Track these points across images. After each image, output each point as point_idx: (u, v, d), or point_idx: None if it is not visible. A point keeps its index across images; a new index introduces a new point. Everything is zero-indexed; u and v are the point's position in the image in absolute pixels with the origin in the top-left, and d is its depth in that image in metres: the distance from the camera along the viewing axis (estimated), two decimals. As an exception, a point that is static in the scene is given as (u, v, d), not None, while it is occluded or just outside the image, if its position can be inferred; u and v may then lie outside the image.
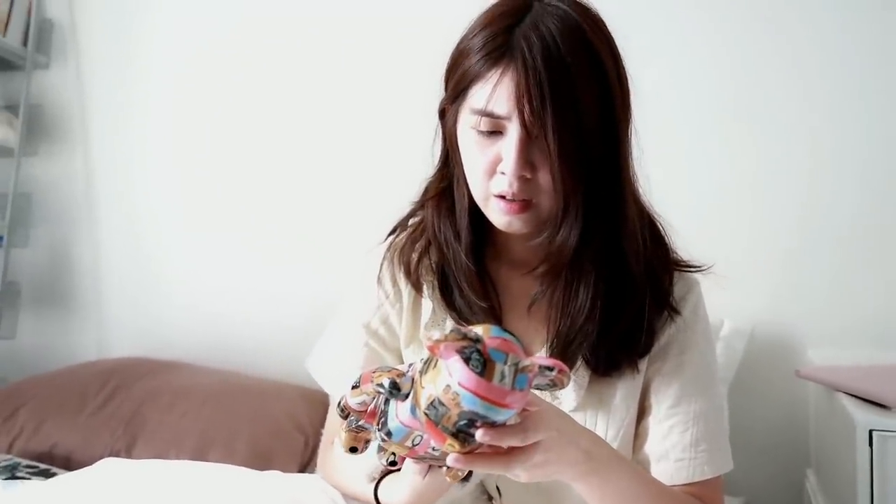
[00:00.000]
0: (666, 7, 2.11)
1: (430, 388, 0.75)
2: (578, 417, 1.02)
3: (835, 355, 1.84)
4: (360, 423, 0.86)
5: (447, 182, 1.10)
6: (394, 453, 0.88)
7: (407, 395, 0.78)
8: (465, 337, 0.72)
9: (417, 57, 1.98)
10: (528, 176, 0.96)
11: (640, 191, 1.07)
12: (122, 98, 2.49)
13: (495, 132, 0.97)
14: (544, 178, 0.97)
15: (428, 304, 1.11)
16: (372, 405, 0.84)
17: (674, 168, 1.90)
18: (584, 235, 0.99)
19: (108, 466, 1.19)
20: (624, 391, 1.06)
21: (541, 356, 0.74)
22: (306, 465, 1.83)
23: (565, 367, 0.75)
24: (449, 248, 1.08)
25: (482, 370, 0.72)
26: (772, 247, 2.04)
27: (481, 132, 0.97)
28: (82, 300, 2.50)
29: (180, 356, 2.28)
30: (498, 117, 0.95)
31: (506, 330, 0.76)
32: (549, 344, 1.05)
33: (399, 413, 0.80)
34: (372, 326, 1.15)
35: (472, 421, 0.74)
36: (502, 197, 0.98)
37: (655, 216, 1.10)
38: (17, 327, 2.48)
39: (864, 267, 1.99)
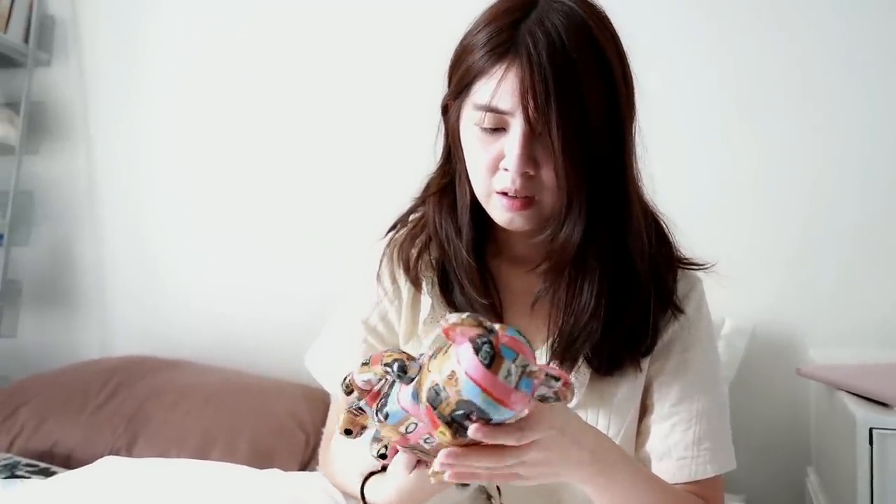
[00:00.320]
0: (670, 6, 2.10)
1: (436, 373, 0.75)
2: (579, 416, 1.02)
3: (836, 354, 1.84)
4: (360, 404, 0.86)
5: (449, 178, 1.09)
6: (385, 447, 0.88)
7: (412, 380, 0.78)
8: (480, 324, 0.73)
9: (420, 54, 1.98)
10: (532, 173, 0.96)
11: (644, 189, 1.07)
12: (125, 95, 2.48)
13: (498, 129, 0.96)
14: (547, 174, 0.96)
15: (427, 300, 1.11)
16: (377, 386, 0.84)
17: (677, 166, 1.90)
18: (588, 233, 0.99)
19: (108, 465, 1.19)
20: (626, 389, 1.06)
21: (550, 366, 0.74)
22: (307, 463, 1.84)
23: (570, 381, 0.75)
24: (450, 244, 1.08)
25: (490, 362, 0.72)
26: (773, 245, 2.04)
27: (484, 129, 0.97)
28: (84, 298, 2.50)
29: (183, 355, 2.28)
30: (502, 112, 0.95)
31: (521, 333, 0.76)
32: (550, 342, 1.04)
33: (401, 397, 0.80)
34: (370, 323, 1.14)
35: (468, 413, 0.74)
36: (505, 194, 0.98)
37: (659, 214, 1.10)
38: (19, 326, 2.48)
39: (865, 266, 1.99)
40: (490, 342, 0.73)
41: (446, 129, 1.08)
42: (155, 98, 2.46)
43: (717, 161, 2.08)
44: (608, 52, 0.96)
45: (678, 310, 1.07)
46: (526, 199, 0.98)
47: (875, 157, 1.99)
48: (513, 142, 0.95)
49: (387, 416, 0.82)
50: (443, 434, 0.76)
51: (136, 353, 2.32)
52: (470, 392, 0.73)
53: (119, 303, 2.48)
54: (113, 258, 2.48)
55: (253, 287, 2.35)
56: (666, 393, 1.06)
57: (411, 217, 1.16)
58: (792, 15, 2.04)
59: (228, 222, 2.40)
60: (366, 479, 1.03)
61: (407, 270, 1.11)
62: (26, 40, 2.44)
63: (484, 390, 0.72)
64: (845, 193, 2.00)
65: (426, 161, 1.13)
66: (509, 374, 0.73)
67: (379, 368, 0.81)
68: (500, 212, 1.00)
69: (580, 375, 1.04)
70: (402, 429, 0.81)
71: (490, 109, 0.95)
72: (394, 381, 0.81)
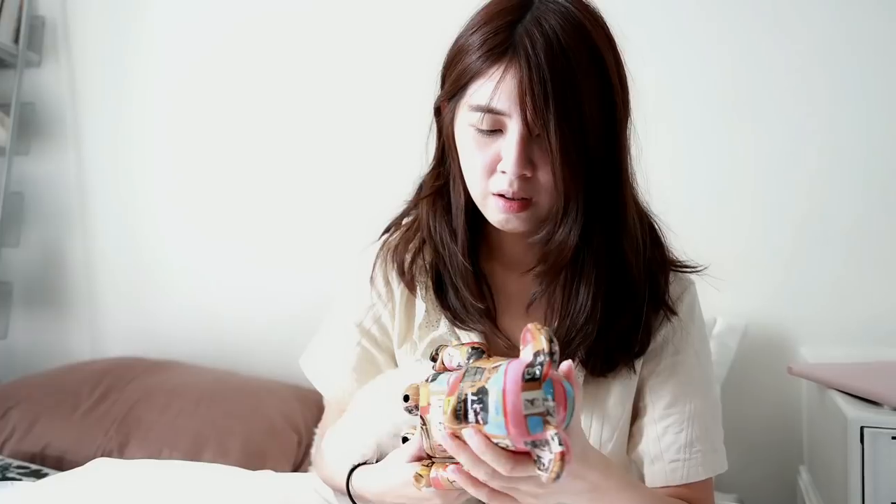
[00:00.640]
0: (664, 5, 2.11)
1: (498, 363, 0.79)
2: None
3: (827, 353, 1.84)
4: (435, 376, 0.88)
5: (442, 180, 1.09)
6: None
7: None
8: (550, 341, 0.75)
9: (410, 55, 1.98)
10: (528, 174, 0.96)
11: (638, 189, 1.07)
12: (115, 96, 2.48)
13: (495, 131, 0.96)
14: (544, 176, 0.96)
15: (422, 305, 1.11)
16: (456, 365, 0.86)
17: (670, 167, 1.91)
18: (585, 234, 0.99)
19: (100, 466, 1.19)
20: (619, 392, 1.06)
21: (564, 435, 0.74)
22: (300, 464, 1.84)
23: (569, 458, 0.73)
24: (445, 247, 1.08)
25: (529, 378, 0.74)
26: (766, 245, 2.05)
27: (481, 130, 0.97)
28: (75, 299, 2.49)
29: (174, 355, 2.27)
30: (499, 114, 0.94)
31: (573, 393, 0.78)
32: None
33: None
34: (364, 326, 1.14)
35: (477, 405, 0.76)
36: (501, 196, 0.98)
37: (653, 216, 1.10)
38: (9, 327, 2.47)
39: (857, 266, 2.00)
40: (543, 365, 0.74)
41: (439, 130, 1.08)
42: (144, 98, 2.46)
43: (711, 161, 2.08)
44: (604, 53, 0.96)
45: (671, 311, 1.07)
46: (522, 201, 0.98)
47: (868, 159, 2.00)
48: (510, 144, 0.95)
49: (435, 377, 0.85)
50: (448, 401, 0.78)
51: (128, 354, 2.32)
52: (493, 384, 0.75)
53: (110, 304, 2.47)
54: (104, 259, 2.48)
55: (244, 287, 2.35)
56: (659, 395, 1.06)
57: (405, 220, 1.15)
58: (788, 14, 2.04)
59: (219, 223, 2.39)
60: (352, 470, 1.03)
61: (402, 274, 1.11)
62: (16, 41, 2.43)
63: (503, 393, 0.74)
64: (838, 194, 2.01)
65: (418, 162, 1.13)
66: (533, 402, 0.74)
67: (466, 349, 0.85)
68: (497, 213, 1.00)
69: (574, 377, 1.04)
70: (437, 397, 0.83)
71: (488, 111, 0.95)
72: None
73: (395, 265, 1.12)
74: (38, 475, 1.72)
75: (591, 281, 1.01)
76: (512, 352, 1.00)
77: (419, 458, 0.91)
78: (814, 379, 1.70)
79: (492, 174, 0.98)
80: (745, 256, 2.02)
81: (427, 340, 1.10)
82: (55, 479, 1.20)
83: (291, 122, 2.33)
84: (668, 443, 1.05)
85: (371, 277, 1.14)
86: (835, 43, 2.02)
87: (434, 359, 0.90)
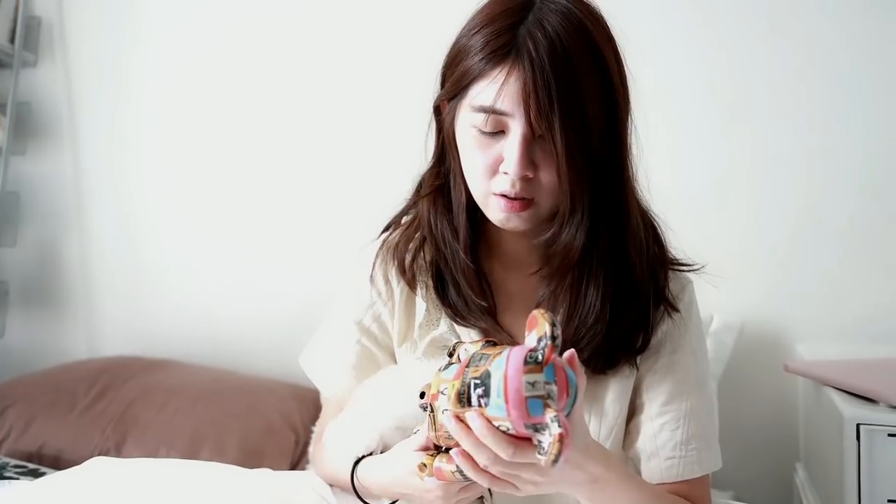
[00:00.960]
0: (662, 6, 2.11)
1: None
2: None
3: (823, 350, 1.85)
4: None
5: (442, 179, 1.09)
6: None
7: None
8: (553, 325, 0.76)
9: (407, 53, 1.98)
10: (531, 175, 0.96)
11: (640, 189, 1.07)
12: (111, 96, 2.47)
13: (497, 132, 0.96)
14: (546, 177, 0.96)
15: (422, 303, 1.11)
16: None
17: (668, 165, 1.90)
18: (591, 235, 0.99)
19: (97, 465, 1.19)
20: (616, 389, 1.06)
21: (563, 418, 0.75)
22: (297, 462, 1.84)
23: (568, 442, 0.74)
24: (446, 246, 1.08)
25: (532, 362, 0.75)
26: (762, 243, 2.05)
27: (483, 131, 0.97)
28: (72, 299, 2.49)
29: (171, 354, 2.27)
30: (503, 115, 0.95)
31: (575, 380, 0.79)
32: None
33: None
34: (364, 324, 1.15)
35: (480, 389, 0.77)
36: (503, 196, 0.98)
37: (654, 215, 1.11)
38: (6, 327, 2.47)
39: (853, 264, 2.01)
40: (545, 349, 0.75)
41: (439, 129, 1.08)
42: (141, 98, 2.45)
43: (707, 159, 2.09)
44: (605, 52, 0.97)
45: (671, 307, 1.08)
46: (524, 201, 0.98)
47: (863, 158, 2.01)
48: (513, 145, 0.95)
49: (449, 365, 0.86)
50: (452, 386, 0.80)
51: (124, 353, 2.32)
52: (496, 367, 0.76)
53: (107, 303, 2.47)
54: (100, 258, 2.47)
55: (241, 286, 2.35)
56: (655, 393, 1.07)
57: (404, 219, 1.16)
58: (784, 14, 2.05)
59: (216, 222, 2.39)
60: (356, 463, 1.03)
61: (402, 273, 1.11)
62: (12, 41, 2.42)
63: (505, 375, 0.75)
64: (834, 192, 2.02)
65: (415, 161, 1.13)
66: (534, 385, 0.74)
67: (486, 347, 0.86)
68: (498, 213, 1.00)
69: None
70: (445, 384, 0.84)
71: (492, 112, 0.95)
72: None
73: (396, 263, 1.12)
74: (36, 474, 1.72)
75: (599, 281, 1.02)
76: None
77: (426, 449, 0.91)
78: (810, 376, 1.71)
79: (494, 174, 0.98)
80: (741, 255, 2.02)
81: (427, 339, 1.10)
82: (52, 479, 1.20)
83: (288, 121, 2.33)
84: (664, 440, 1.05)
85: (371, 276, 1.14)
86: (831, 44, 2.02)
87: (451, 355, 0.91)
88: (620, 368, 1.06)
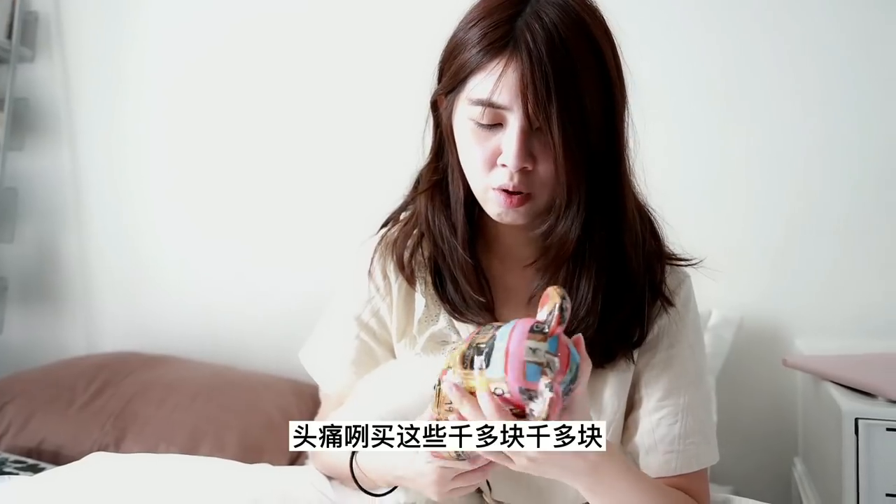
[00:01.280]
0: (659, 1, 2.11)
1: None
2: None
3: (822, 345, 1.85)
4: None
5: (441, 174, 1.09)
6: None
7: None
8: (563, 299, 0.79)
9: (404, 49, 1.98)
10: (529, 168, 0.96)
11: (636, 182, 1.07)
12: (109, 91, 2.47)
13: (495, 125, 0.96)
14: (544, 170, 0.96)
15: (421, 299, 1.11)
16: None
17: (666, 160, 1.90)
18: (586, 227, 0.99)
19: (97, 461, 1.19)
20: (614, 384, 1.06)
21: (558, 387, 0.77)
22: (296, 458, 1.84)
23: (556, 408, 0.76)
24: (444, 241, 1.08)
25: (537, 331, 0.78)
26: (761, 237, 2.05)
27: (481, 124, 0.97)
28: (70, 295, 2.49)
29: (170, 350, 2.27)
30: (500, 108, 0.95)
31: (576, 354, 0.81)
32: None
33: None
34: (363, 319, 1.15)
35: (482, 355, 0.80)
36: (502, 190, 0.98)
37: (650, 208, 1.11)
38: (5, 323, 2.47)
39: (852, 258, 2.01)
40: (552, 321, 0.78)
41: (437, 124, 1.08)
42: (139, 93, 2.45)
43: (706, 153, 2.09)
44: (602, 45, 0.97)
45: (668, 302, 1.08)
46: (522, 196, 0.98)
47: (861, 151, 2.01)
48: (511, 137, 0.95)
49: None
50: (453, 357, 0.83)
51: (123, 348, 2.32)
52: (502, 332, 0.79)
53: (105, 299, 2.47)
54: (98, 254, 2.47)
55: (240, 282, 2.35)
56: (653, 387, 1.07)
57: (403, 214, 1.16)
58: (780, 9, 2.05)
59: (214, 217, 2.39)
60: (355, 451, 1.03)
61: (401, 268, 1.11)
62: (9, 36, 2.42)
63: (508, 339, 0.78)
64: (832, 187, 2.02)
65: (414, 156, 1.13)
66: (535, 351, 0.77)
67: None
68: (496, 207, 1.00)
69: None
70: (449, 362, 0.86)
71: (489, 105, 0.95)
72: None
73: (395, 259, 1.12)
74: (35, 470, 1.72)
75: (591, 274, 1.02)
76: None
77: None
78: (809, 371, 1.71)
79: (492, 168, 0.98)
80: (740, 250, 2.03)
81: (427, 335, 1.10)
82: (52, 474, 1.20)
83: (286, 119, 2.32)
84: (661, 434, 1.05)
85: (369, 271, 1.14)
86: (827, 38, 2.02)
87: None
88: (618, 362, 1.06)
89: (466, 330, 1.08)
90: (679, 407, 1.06)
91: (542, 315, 0.80)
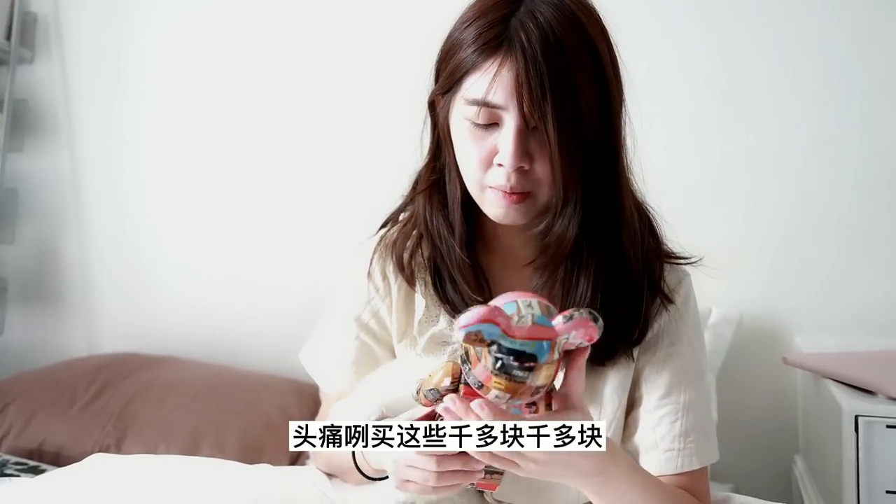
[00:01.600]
0: (656, -1, 2.11)
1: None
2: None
3: (822, 342, 1.85)
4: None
5: (438, 174, 1.09)
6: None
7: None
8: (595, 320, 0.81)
9: (401, 50, 1.98)
10: (526, 167, 0.96)
11: (634, 180, 1.07)
12: (108, 92, 2.47)
13: (491, 124, 0.96)
14: (541, 168, 0.96)
15: (421, 300, 1.11)
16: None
17: (664, 158, 1.91)
18: (584, 226, 0.99)
19: (98, 462, 1.19)
20: (615, 382, 1.07)
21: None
22: (296, 458, 1.84)
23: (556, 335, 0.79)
24: (443, 241, 1.08)
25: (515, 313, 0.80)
26: (760, 235, 2.05)
27: (477, 124, 0.97)
28: (70, 296, 2.49)
29: (170, 351, 2.27)
30: (496, 107, 0.95)
31: (559, 340, 0.81)
32: None
33: None
34: (363, 320, 1.14)
35: (490, 342, 0.79)
36: (499, 189, 0.98)
37: (648, 206, 1.11)
38: (5, 324, 2.47)
39: (852, 255, 2.01)
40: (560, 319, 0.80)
41: (434, 124, 1.08)
42: (138, 94, 2.45)
43: (705, 152, 2.09)
44: (598, 44, 0.97)
45: (668, 300, 1.08)
46: (520, 194, 0.98)
47: (861, 149, 2.01)
48: (507, 137, 0.95)
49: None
50: (449, 363, 0.83)
51: (123, 349, 2.32)
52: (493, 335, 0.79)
53: (105, 300, 2.47)
54: (98, 255, 2.47)
55: (239, 282, 2.35)
56: (654, 385, 1.07)
57: (401, 215, 1.16)
58: (779, 9, 2.05)
59: (213, 218, 2.39)
60: None
61: (401, 269, 1.11)
62: (8, 37, 2.41)
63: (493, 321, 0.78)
64: (831, 184, 2.02)
65: (412, 156, 1.13)
66: (522, 315, 0.79)
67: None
68: (494, 207, 1.00)
69: None
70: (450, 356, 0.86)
71: (484, 104, 0.95)
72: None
73: (394, 260, 1.12)
74: (36, 471, 1.72)
75: (590, 272, 1.02)
76: None
77: (428, 418, 0.89)
78: (809, 368, 1.71)
79: (489, 168, 0.98)
80: (739, 247, 2.03)
81: (427, 335, 1.10)
82: (53, 475, 1.20)
83: (285, 119, 2.32)
84: (662, 433, 1.05)
85: (369, 272, 1.14)
86: (826, 36, 2.02)
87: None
88: (618, 361, 1.06)
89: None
90: (680, 405, 1.06)
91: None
